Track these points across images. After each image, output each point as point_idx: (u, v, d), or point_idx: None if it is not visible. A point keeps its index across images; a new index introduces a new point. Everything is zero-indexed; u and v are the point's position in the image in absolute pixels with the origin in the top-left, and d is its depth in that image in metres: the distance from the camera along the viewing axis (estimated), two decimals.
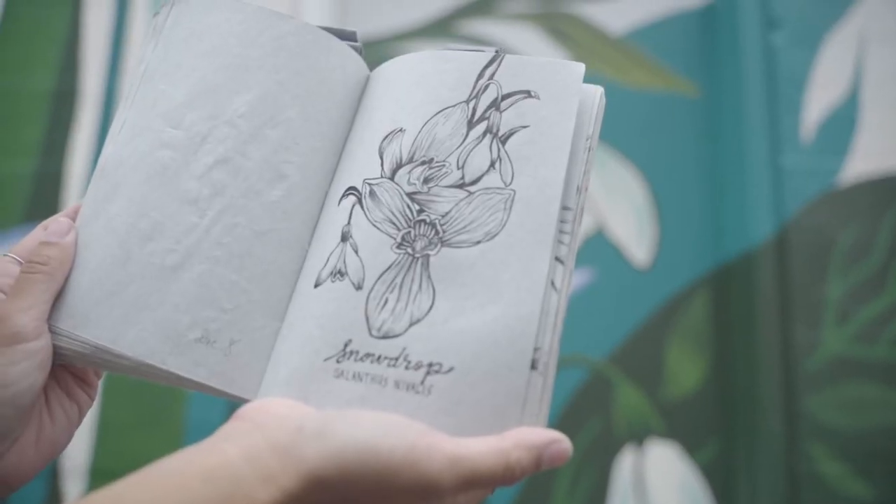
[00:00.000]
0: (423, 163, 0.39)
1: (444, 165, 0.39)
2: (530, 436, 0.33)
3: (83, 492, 1.08)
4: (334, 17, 1.24)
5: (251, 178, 0.39)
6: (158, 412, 1.12)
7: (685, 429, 1.22)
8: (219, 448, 0.32)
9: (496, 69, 0.40)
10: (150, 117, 0.41)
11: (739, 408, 1.19)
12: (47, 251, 0.39)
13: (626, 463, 1.21)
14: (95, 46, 1.20)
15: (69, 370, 0.42)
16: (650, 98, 1.28)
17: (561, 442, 0.34)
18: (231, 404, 1.10)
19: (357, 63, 0.44)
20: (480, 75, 0.40)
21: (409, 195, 0.39)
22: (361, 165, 0.41)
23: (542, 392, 0.35)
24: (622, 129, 1.27)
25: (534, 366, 0.35)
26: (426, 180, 0.39)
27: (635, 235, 1.26)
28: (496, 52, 0.41)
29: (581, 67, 0.40)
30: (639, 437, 1.22)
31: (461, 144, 0.39)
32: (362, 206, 0.39)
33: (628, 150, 1.27)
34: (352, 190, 0.40)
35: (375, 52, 1.29)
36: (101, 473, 1.10)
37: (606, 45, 1.29)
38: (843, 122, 1.20)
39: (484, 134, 0.39)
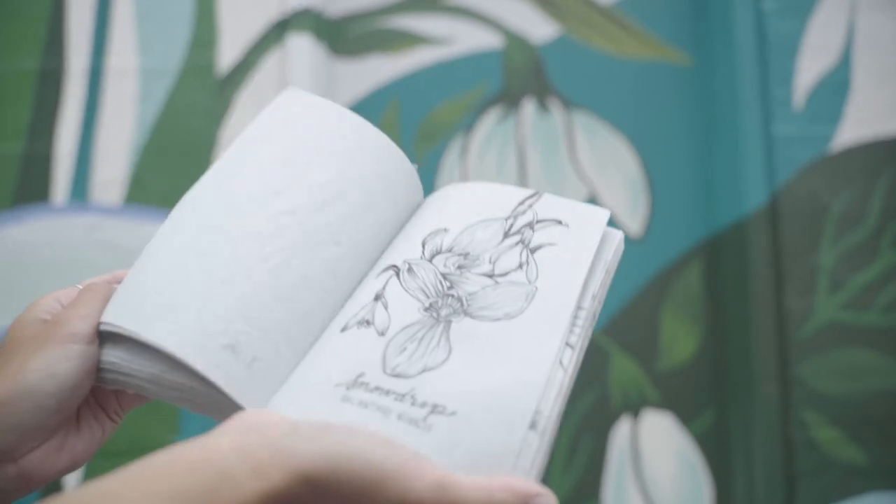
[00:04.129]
0: (460, 254, 0.45)
1: (478, 259, 0.44)
2: (519, 483, 0.34)
3: (81, 475, 1.09)
4: None
5: (311, 233, 0.44)
6: None
7: (680, 398, 1.23)
8: (211, 442, 0.32)
9: (535, 201, 0.47)
10: (238, 166, 0.46)
11: (734, 376, 1.19)
12: (103, 278, 0.45)
13: (622, 433, 1.22)
14: (80, 24, 1.19)
15: (98, 399, 0.45)
16: (641, 67, 1.28)
17: (548, 497, 0.34)
18: None
19: (417, 185, 0.52)
20: (521, 203, 0.48)
21: (443, 275, 0.44)
22: (404, 250, 0.46)
23: (537, 451, 0.36)
24: (613, 100, 1.26)
25: (532, 426, 0.37)
26: (460, 267, 0.44)
27: (628, 206, 1.26)
28: (537, 191, 0.48)
29: (607, 212, 0.47)
30: (634, 407, 1.22)
31: (496, 247, 0.45)
32: (399, 278, 0.44)
33: (620, 121, 1.26)
34: (392, 267, 0.45)
35: (363, 25, 1.28)
36: (98, 453, 1.10)
37: (597, 15, 1.28)
38: (834, 88, 1.20)
39: (517, 243, 0.45)
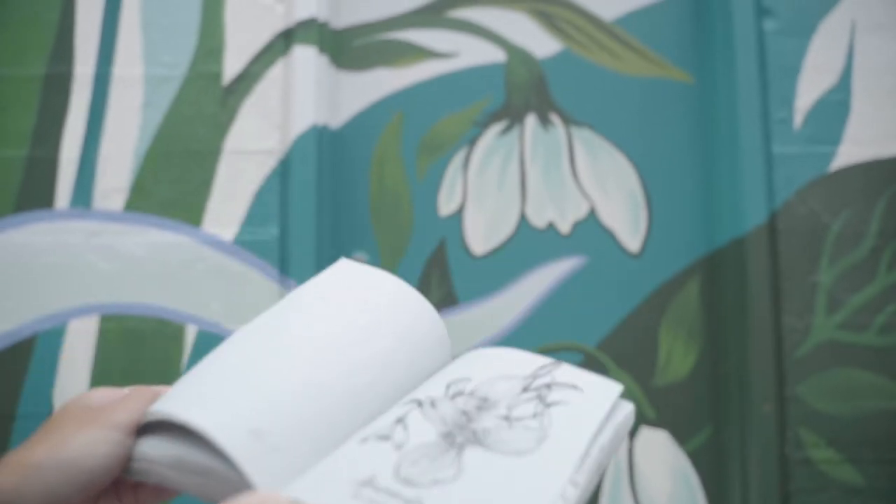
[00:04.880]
0: (480, 398, 0.49)
1: (496, 404, 0.48)
2: None
3: None
4: (329, 2, 1.23)
5: (346, 359, 0.49)
6: None
7: (677, 415, 1.23)
8: None
9: (554, 368, 0.51)
10: (290, 306, 0.52)
11: (730, 394, 1.19)
12: (151, 387, 0.48)
13: (620, 449, 1.22)
14: (87, 31, 1.20)
15: (118, 494, 0.48)
16: (642, 84, 1.29)
17: None
18: None
19: (447, 344, 0.57)
20: (541, 367, 0.52)
21: (462, 411, 0.48)
22: (429, 389, 0.51)
23: None
24: (614, 116, 1.27)
25: None
26: (479, 408, 0.48)
27: (627, 222, 1.26)
28: (557, 360, 0.52)
29: (620, 385, 0.50)
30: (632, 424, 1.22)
31: (514, 397, 0.49)
32: (421, 408, 0.48)
33: (620, 137, 1.27)
34: (416, 400, 0.49)
35: (368, 36, 1.29)
36: None
37: (598, 31, 1.29)
38: (834, 109, 1.20)
39: (534, 397, 0.49)
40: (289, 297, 0.54)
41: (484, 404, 0.48)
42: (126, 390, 0.48)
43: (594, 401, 0.48)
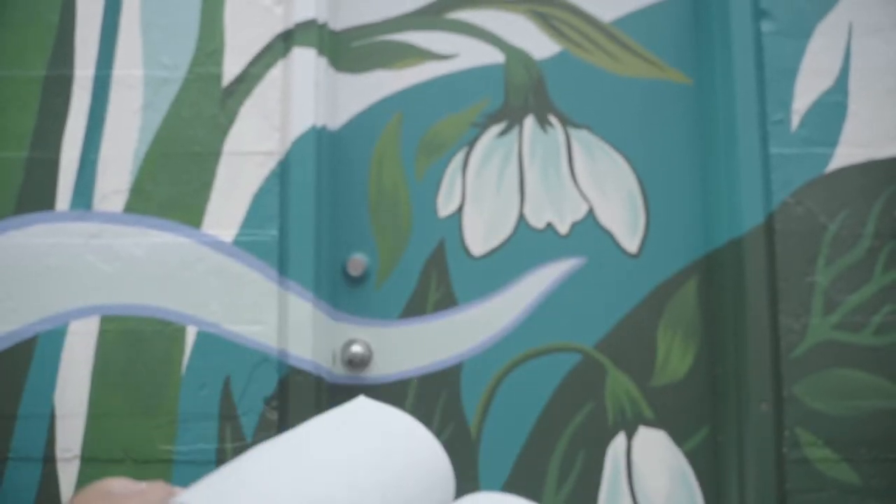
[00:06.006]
0: None
1: None
2: None
3: (76, 479, 1.09)
4: (328, 3, 1.24)
5: (357, 484, 0.52)
6: (150, 400, 1.12)
7: (675, 415, 1.23)
8: None
9: None
10: (310, 433, 0.56)
11: (728, 393, 1.20)
12: (169, 487, 0.51)
13: (618, 448, 1.22)
14: (87, 33, 1.20)
15: None
16: (641, 85, 1.29)
17: None
18: (224, 390, 1.11)
19: (450, 480, 0.60)
20: None
21: None
22: None
23: None
24: (612, 117, 1.28)
25: None
26: None
27: (625, 222, 1.27)
28: None
29: None
30: (630, 423, 1.23)
31: None
32: None
33: (618, 138, 1.27)
34: None
35: (367, 38, 1.29)
36: (93, 460, 1.11)
37: (597, 33, 1.30)
38: (831, 111, 1.21)
39: None
40: (309, 422, 0.59)
41: None
42: (143, 485, 0.52)
43: None
